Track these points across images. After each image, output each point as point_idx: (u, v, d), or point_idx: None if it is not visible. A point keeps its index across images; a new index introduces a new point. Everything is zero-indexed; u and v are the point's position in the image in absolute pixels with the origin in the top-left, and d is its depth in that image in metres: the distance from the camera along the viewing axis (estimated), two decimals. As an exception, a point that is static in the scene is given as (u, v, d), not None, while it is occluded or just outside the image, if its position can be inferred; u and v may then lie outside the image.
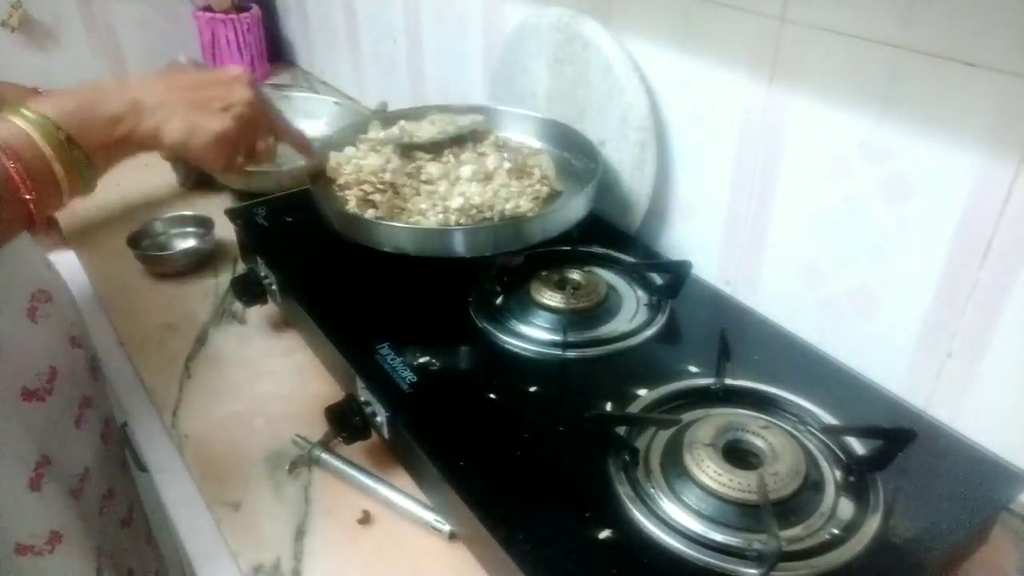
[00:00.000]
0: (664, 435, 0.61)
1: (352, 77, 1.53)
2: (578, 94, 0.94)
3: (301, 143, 0.77)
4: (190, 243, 1.05)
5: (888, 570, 0.52)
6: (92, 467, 0.76)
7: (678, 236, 0.92)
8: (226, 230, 1.01)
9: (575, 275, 0.81)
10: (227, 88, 0.65)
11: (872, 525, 0.54)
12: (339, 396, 0.71)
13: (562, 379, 0.71)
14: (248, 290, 0.89)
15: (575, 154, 0.93)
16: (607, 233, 0.90)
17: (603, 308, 0.78)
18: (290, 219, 0.93)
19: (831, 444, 0.61)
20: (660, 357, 0.73)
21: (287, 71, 1.72)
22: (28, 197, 0.53)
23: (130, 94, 0.60)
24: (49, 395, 0.70)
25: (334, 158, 0.89)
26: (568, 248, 0.85)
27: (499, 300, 0.79)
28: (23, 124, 0.54)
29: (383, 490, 0.67)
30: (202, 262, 1.03)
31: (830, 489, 0.57)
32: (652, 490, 0.57)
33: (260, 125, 0.68)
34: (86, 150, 0.56)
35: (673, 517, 0.55)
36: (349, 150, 0.91)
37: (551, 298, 0.77)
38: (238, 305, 0.92)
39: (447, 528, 0.63)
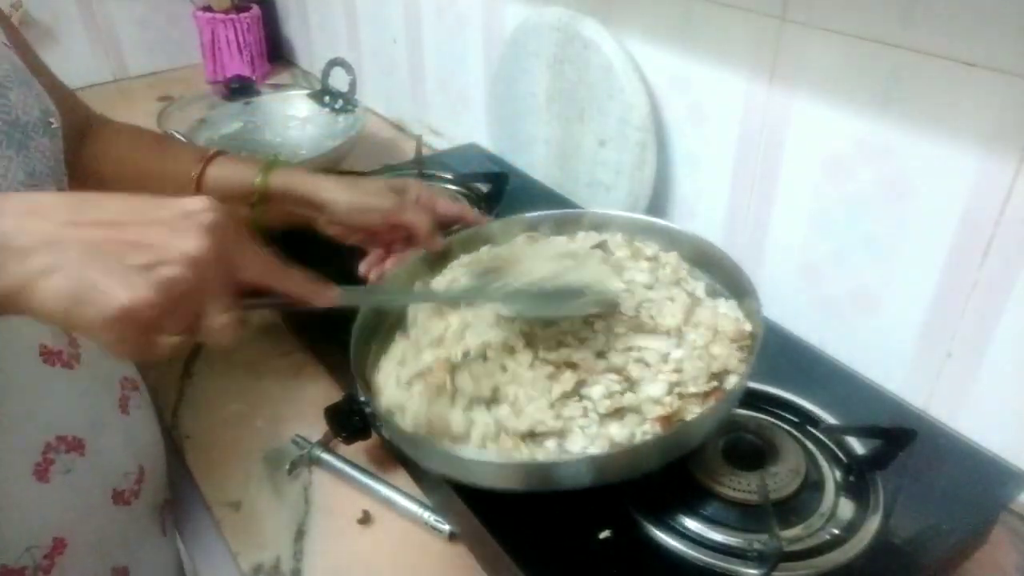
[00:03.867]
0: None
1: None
2: (578, 94, 0.94)
3: (304, 292, 0.52)
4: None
5: (888, 570, 0.52)
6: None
7: (678, 236, 0.92)
8: (226, 230, 1.01)
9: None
10: (167, 231, 0.41)
11: (872, 525, 0.54)
12: (339, 396, 0.71)
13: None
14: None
15: (717, 279, 0.66)
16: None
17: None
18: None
19: (831, 444, 0.61)
20: None
21: (287, 71, 1.72)
22: None
23: (9, 222, 0.39)
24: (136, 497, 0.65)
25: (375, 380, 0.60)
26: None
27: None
28: None
29: (383, 490, 0.67)
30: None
31: (830, 489, 0.57)
32: (652, 490, 0.57)
33: (209, 292, 0.43)
34: None
35: (673, 517, 0.55)
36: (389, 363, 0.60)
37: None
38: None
39: (447, 528, 0.63)
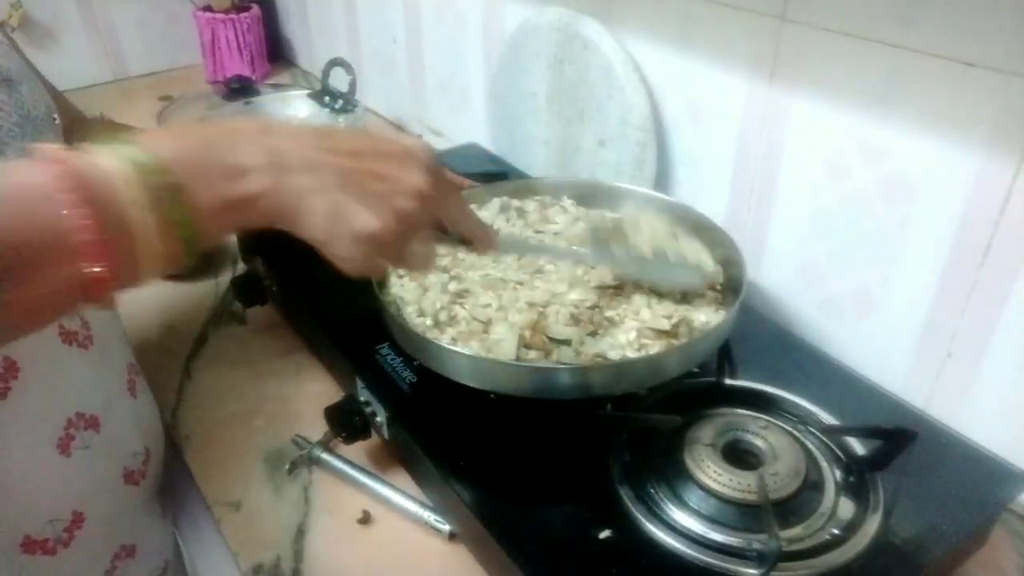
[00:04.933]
0: (664, 435, 0.61)
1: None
2: (578, 94, 0.94)
3: (482, 238, 0.57)
4: (190, 243, 1.04)
5: (888, 570, 0.52)
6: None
7: (678, 236, 0.92)
8: (226, 230, 1.01)
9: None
10: (399, 166, 0.46)
11: (872, 525, 0.54)
12: (339, 396, 0.71)
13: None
14: (248, 290, 0.89)
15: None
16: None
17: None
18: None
19: (831, 444, 0.61)
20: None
21: (287, 71, 1.72)
22: (96, 268, 0.36)
23: (271, 142, 0.43)
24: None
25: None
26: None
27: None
28: (113, 162, 0.38)
29: (383, 490, 0.67)
30: (202, 262, 1.02)
31: (830, 489, 0.57)
32: (652, 490, 0.57)
33: (423, 222, 0.49)
34: (192, 209, 0.40)
35: (673, 517, 0.55)
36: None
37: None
38: (238, 305, 0.92)
39: (447, 528, 0.63)
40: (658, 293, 0.67)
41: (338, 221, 0.44)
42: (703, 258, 0.69)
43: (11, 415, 0.56)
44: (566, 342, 0.62)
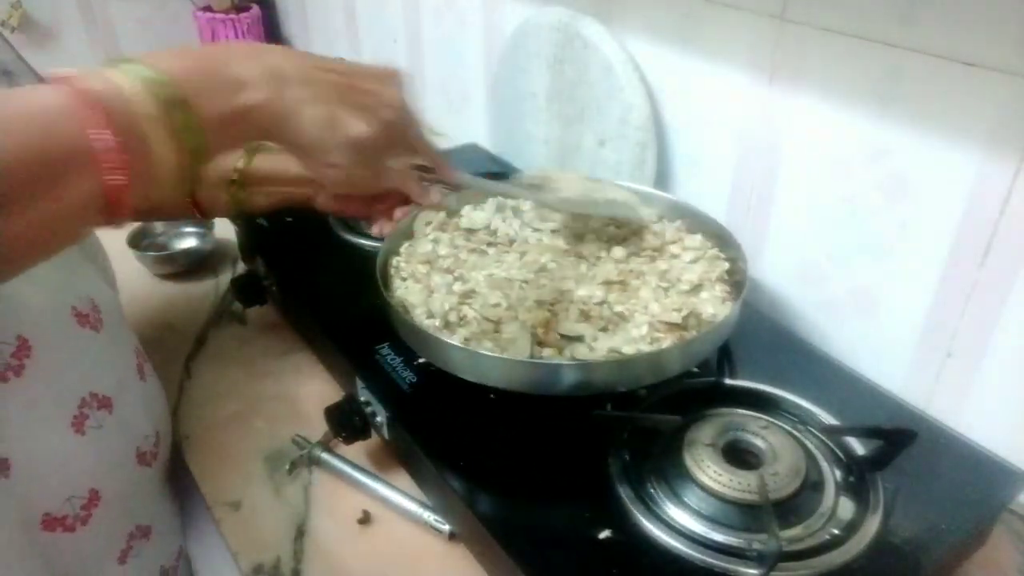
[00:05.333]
0: (664, 435, 0.61)
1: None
2: (578, 94, 0.94)
3: (441, 165, 0.62)
4: (190, 243, 1.05)
5: (888, 570, 0.52)
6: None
7: (678, 236, 0.92)
8: (226, 230, 1.01)
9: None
10: (381, 83, 0.53)
11: (872, 525, 0.54)
12: (339, 396, 0.71)
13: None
14: (248, 290, 0.89)
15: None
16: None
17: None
18: (290, 219, 0.93)
19: (831, 444, 0.61)
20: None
21: (287, 71, 1.72)
22: (117, 179, 0.39)
23: (269, 59, 0.48)
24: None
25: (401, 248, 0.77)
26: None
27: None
28: (124, 79, 0.41)
29: (383, 490, 0.67)
30: (202, 262, 1.02)
31: (830, 489, 0.57)
32: (652, 490, 0.57)
33: (403, 138, 0.55)
34: (199, 119, 0.44)
35: (673, 517, 0.55)
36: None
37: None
38: (238, 305, 0.92)
39: (447, 528, 0.63)
40: (664, 287, 0.68)
41: (333, 127, 0.49)
42: (631, 200, 0.75)
43: (25, 393, 0.56)
44: (579, 339, 0.63)
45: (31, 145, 0.37)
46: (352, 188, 0.56)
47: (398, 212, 0.73)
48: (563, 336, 0.63)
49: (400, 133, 0.54)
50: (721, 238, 0.74)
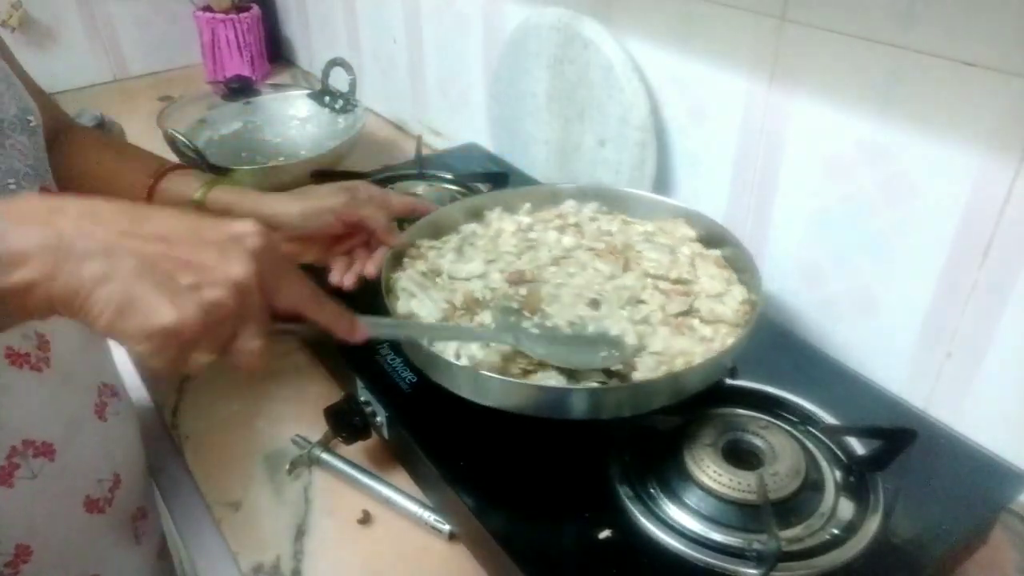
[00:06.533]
0: (664, 435, 0.61)
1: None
2: (578, 94, 0.94)
3: (332, 323, 0.50)
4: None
5: (888, 570, 0.52)
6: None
7: (678, 236, 0.92)
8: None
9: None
10: (217, 254, 0.41)
11: (872, 525, 0.54)
12: (339, 396, 0.71)
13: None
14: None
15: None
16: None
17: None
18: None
19: (831, 444, 0.61)
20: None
21: (287, 71, 1.72)
22: None
23: (56, 225, 0.38)
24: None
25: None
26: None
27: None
28: None
29: (383, 490, 0.67)
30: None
31: (830, 489, 0.57)
32: (652, 490, 0.57)
33: (248, 316, 0.42)
34: None
35: (673, 517, 0.55)
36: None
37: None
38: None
39: (447, 528, 0.63)
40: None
41: (128, 314, 0.38)
42: (625, 327, 0.64)
43: None
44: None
45: None
46: (188, 371, 0.44)
47: (358, 266, 0.71)
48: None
49: (240, 312, 0.42)
50: (722, 238, 0.74)
